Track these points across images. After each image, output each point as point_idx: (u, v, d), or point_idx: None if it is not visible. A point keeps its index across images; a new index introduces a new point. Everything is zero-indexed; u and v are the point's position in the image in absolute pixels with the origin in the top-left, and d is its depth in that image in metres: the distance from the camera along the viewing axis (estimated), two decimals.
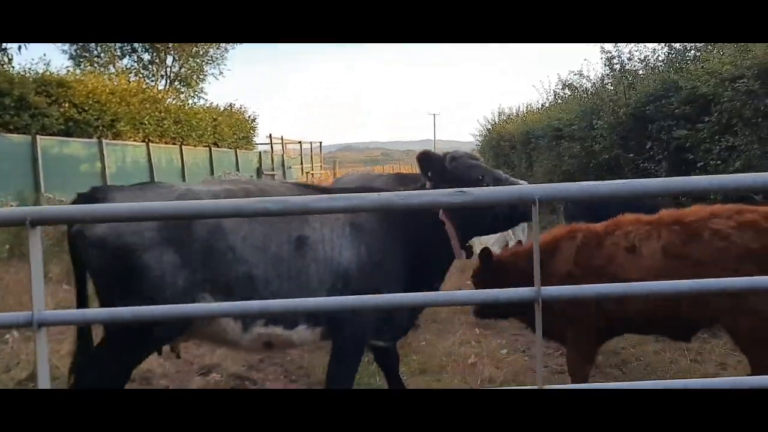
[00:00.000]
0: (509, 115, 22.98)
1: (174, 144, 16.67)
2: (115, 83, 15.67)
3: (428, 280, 3.39)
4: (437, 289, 3.38)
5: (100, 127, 13.46)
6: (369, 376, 4.48)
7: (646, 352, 4.89)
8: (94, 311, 2.60)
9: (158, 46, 22.53)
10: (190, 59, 23.82)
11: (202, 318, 2.83)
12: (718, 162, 5.99)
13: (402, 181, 5.07)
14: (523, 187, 1.55)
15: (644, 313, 3.28)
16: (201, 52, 24.12)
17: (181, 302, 2.76)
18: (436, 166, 3.40)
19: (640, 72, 9.70)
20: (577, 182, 1.50)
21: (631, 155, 8.35)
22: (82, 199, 2.93)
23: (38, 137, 10.98)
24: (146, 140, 15.16)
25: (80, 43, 21.71)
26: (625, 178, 8.84)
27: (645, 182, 1.53)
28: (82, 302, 3.00)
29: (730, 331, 3.29)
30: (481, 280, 3.87)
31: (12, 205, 7.12)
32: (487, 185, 3.20)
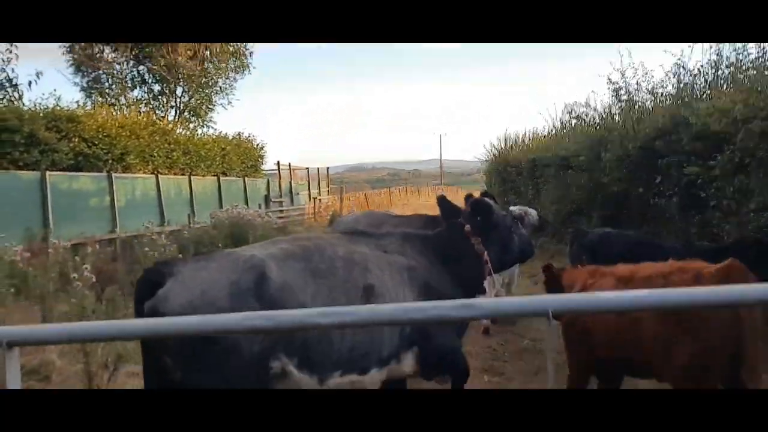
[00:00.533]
0: (515, 141, 22.95)
1: (183, 175, 16.73)
2: (126, 115, 15.82)
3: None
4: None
5: (110, 161, 13.54)
6: None
7: None
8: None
9: (168, 77, 22.76)
10: (200, 90, 24.04)
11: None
12: (732, 202, 5.89)
13: (428, 224, 5.09)
14: (535, 300, 1.48)
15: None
16: (210, 83, 24.35)
17: (258, 367, 2.87)
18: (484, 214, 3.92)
19: (648, 103, 9.64)
20: (590, 293, 1.43)
21: (641, 190, 8.25)
22: (148, 275, 3.03)
23: (48, 173, 11.03)
24: (155, 172, 15.22)
25: (91, 66, 21.94)
26: (635, 213, 8.72)
27: (656, 295, 1.45)
28: (149, 380, 3.03)
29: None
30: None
31: (16, 250, 7.10)
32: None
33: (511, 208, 6.92)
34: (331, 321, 1.40)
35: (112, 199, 12.99)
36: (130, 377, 5.29)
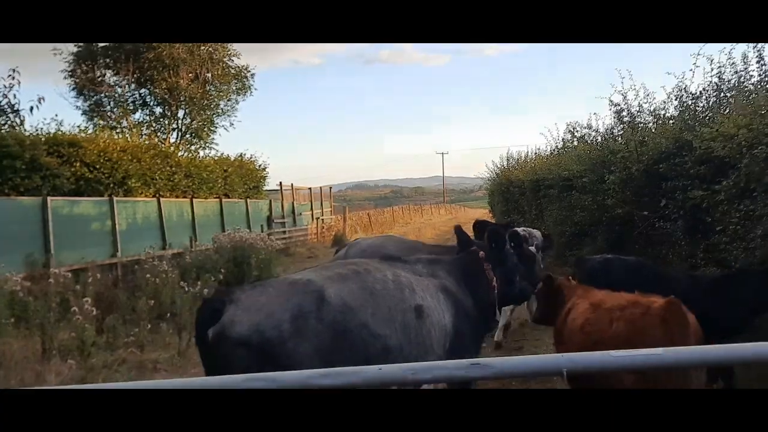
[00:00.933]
0: (518, 160, 22.97)
1: (185, 197, 16.73)
2: (128, 139, 15.87)
3: (486, 320, 4.22)
4: (492, 327, 4.66)
5: (111, 185, 13.53)
6: None
7: None
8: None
9: (170, 99, 22.87)
10: (201, 112, 24.14)
11: None
12: (738, 227, 5.82)
13: (444, 251, 5.46)
14: (549, 360, 1.43)
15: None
16: (212, 105, 24.46)
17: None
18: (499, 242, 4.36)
19: (650, 125, 9.61)
20: (600, 352, 1.38)
21: (645, 213, 8.19)
22: (209, 303, 3.27)
23: (49, 198, 11.01)
24: (157, 195, 15.21)
25: (92, 90, 22.06)
26: (639, 235, 8.65)
27: (672, 354, 1.40)
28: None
29: None
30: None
31: (17, 279, 7.05)
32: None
33: (516, 229, 6.84)
34: (334, 382, 1.35)
35: (114, 224, 12.96)
36: None
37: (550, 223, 13.90)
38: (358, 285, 3.51)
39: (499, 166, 24.96)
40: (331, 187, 34.04)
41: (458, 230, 4.83)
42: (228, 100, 25.16)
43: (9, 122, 12.04)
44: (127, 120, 23.08)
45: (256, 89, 26.26)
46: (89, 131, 15.94)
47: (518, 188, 18.94)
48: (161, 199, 15.11)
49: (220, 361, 3.12)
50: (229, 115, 25.59)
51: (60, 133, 13.42)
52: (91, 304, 5.70)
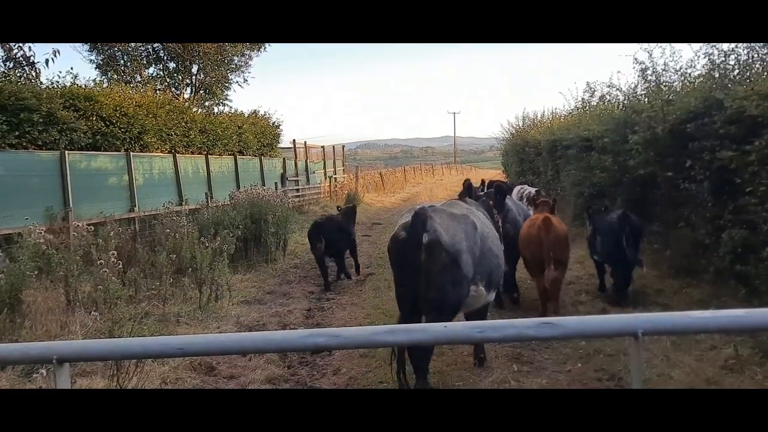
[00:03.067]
0: (534, 120, 22.65)
1: (200, 154, 16.68)
2: (143, 93, 15.72)
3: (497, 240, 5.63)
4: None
5: (128, 140, 13.49)
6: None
7: None
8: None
9: (183, 54, 22.61)
10: (215, 67, 23.85)
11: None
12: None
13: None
14: (624, 320, 1.38)
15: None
16: (226, 61, 24.14)
17: (469, 286, 4.82)
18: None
19: (676, 84, 9.38)
20: (678, 313, 1.33)
21: (670, 174, 8.05)
22: (422, 215, 4.62)
23: (67, 153, 11.00)
24: (173, 151, 15.17)
25: (106, 44, 21.84)
26: (661, 197, 8.55)
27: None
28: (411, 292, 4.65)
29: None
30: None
31: (41, 231, 7.07)
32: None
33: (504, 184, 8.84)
34: (398, 339, 1.32)
35: (131, 179, 12.96)
36: None
37: (567, 184, 13.77)
38: (480, 221, 5.22)
39: (514, 125, 24.66)
40: (343, 146, 33.81)
41: (467, 183, 6.81)
42: (242, 56, 24.83)
43: (25, 74, 11.92)
44: (140, 75, 22.88)
45: (270, 45, 25.87)
46: (104, 85, 15.81)
47: (534, 148, 18.73)
48: (177, 155, 15.07)
49: (430, 258, 4.50)
50: (242, 71, 25.31)
51: (76, 86, 13.31)
52: (116, 257, 5.73)
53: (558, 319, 1.31)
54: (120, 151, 13.05)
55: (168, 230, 8.77)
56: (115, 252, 5.93)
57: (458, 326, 1.45)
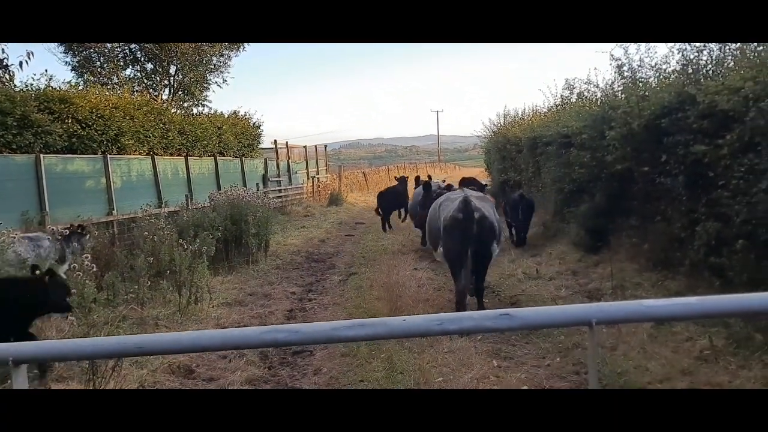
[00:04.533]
0: (515, 117, 22.74)
1: (179, 155, 16.54)
2: (120, 95, 15.56)
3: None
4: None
5: (104, 142, 13.34)
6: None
7: None
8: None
9: (161, 55, 22.40)
10: (194, 68, 23.66)
11: None
12: (741, 182, 5.79)
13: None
14: (579, 310, 1.39)
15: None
16: (204, 61, 23.97)
17: (496, 243, 7.66)
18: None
19: (651, 80, 9.48)
20: (632, 301, 1.35)
21: (646, 168, 8.13)
22: (469, 200, 7.20)
23: (42, 156, 10.85)
24: (151, 153, 15.03)
25: (82, 46, 21.57)
26: (638, 191, 8.66)
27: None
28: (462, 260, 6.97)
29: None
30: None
31: (15, 235, 6.97)
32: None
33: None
34: (358, 333, 1.32)
35: (108, 181, 12.82)
36: None
37: (548, 181, 13.85)
38: (480, 198, 7.92)
39: (496, 123, 24.74)
40: (326, 146, 33.71)
41: (429, 179, 10.61)
42: (220, 56, 24.67)
43: None
44: (117, 76, 22.63)
45: (249, 45, 25.73)
46: (80, 87, 15.62)
47: (515, 146, 18.81)
48: (156, 157, 14.94)
49: (481, 228, 7.05)
50: (222, 72, 25.15)
51: (50, 89, 13.15)
52: (91, 261, 5.66)
53: (515, 311, 1.32)
54: (97, 154, 12.90)
55: (146, 233, 8.68)
56: (89, 255, 5.86)
57: (417, 319, 1.44)
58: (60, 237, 7.55)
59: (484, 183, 15.28)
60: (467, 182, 12.49)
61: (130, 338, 1.41)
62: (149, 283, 7.80)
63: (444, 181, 14.78)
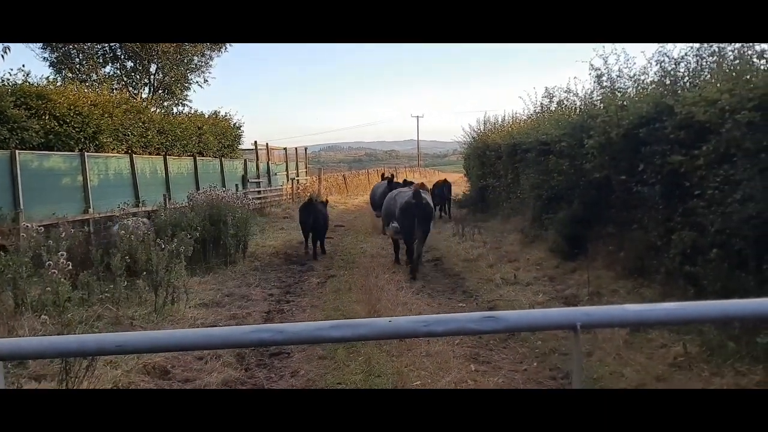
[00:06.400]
0: (495, 124, 22.90)
1: (158, 155, 16.37)
2: (99, 93, 15.36)
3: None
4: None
5: (82, 140, 13.15)
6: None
7: None
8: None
9: (141, 53, 22.16)
10: (174, 67, 23.45)
11: None
12: (716, 192, 5.90)
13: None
14: (563, 313, 1.41)
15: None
16: (185, 60, 23.77)
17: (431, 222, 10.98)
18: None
19: (630, 90, 9.62)
20: (616, 306, 1.36)
21: (623, 177, 8.25)
22: (420, 193, 10.59)
23: (17, 152, 10.66)
24: (129, 151, 14.85)
25: (70, 45, 21.25)
26: (616, 199, 8.77)
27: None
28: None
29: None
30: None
31: None
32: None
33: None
34: (344, 334, 1.31)
35: (85, 179, 12.65)
36: None
37: (527, 187, 13.97)
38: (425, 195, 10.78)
39: (476, 129, 24.88)
40: (306, 148, 33.63)
41: (391, 176, 15.66)
42: (202, 56, 24.49)
43: None
44: (96, 73, 22.33)
45: (231, 45, 25.58)
46: (58, 84, 15.38)
47: (495, 152, 18.94)
48: (134, 156, 14.76)
49: (425, 212, 10.21)
50: (203, 71, 24.96)
51: (28, 84, 12.93)
52: (66, 259, 5.57)
53: (500, 313, 1.33)
54: (74, 151, 12.72)
55: (123, 232, 8.56)
56: (65, 253, 5.76)
57: (403, 321, 1.45)
58: None
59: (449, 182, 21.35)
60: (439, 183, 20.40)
61: (110, 336, 1.39)
62: (125, 282, 7.69)
63: (404, 180, 18.60)
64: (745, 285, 5.29)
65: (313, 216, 12.64)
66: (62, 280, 5.05)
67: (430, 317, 1.35)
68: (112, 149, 14.36)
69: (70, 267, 5.62)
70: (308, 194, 18.45)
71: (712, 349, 5.18)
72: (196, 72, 24.68)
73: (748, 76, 5.87)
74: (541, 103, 15.41)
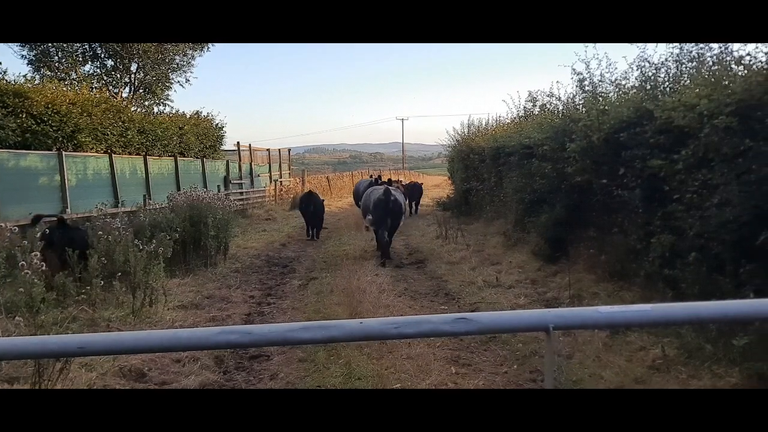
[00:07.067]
0: (478, 127, 22.98)
1: (138, 155, 16.18)
2: (78, 91, 15.14)
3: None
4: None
5: (60, 139, 12.95)
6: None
7: None
8: None
9: (122, 52, 21.91)
10: (156, 66, 23.21)
11: None
12: (694, 196, 5.95)
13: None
14: (537, 315, 1.39)
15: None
16: (167, 60, 23.54)
17: (403, 217, 13.10)
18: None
19: (611, 95, 9.70)
20: (588, 308, 1.35)
21: (604, 181, 8.30)
22: (389, 191, 12.38)
23: None
24: (109, 151, 14.66)
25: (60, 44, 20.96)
26: (597, 203, 8.83)
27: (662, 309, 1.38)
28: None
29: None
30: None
31: None
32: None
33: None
34: (314, 336, 1.28)
35: (63, 179, 12.45)
36: None
37: (510, 190, 14.03)
38: (399, 192, 12.78)
39: (460, 132, 24.95)
40: (289, 150, 33.47)
41: (379, 175, 18.70)
42: (184, 55, 24.27)
43: None
44: (76, 71, 22.03)
45: (213, 45, 25.38)
46: (36, 82, 15.15)
47: (478, 155, 19.00)
48: (113, 156, 14.57)
49: (395, 207, 11.91)
50: (185, 71, 24.74)
51: (4, 82, 12.71)
52: (40, 259, 5.45)
53: (473, 315, 1.31)
54: (52, 150, 12.51)
55: (100, 232, 8.43)
56: (38, 253, 5.64)
57: (374, 322, 1.42)
58: None
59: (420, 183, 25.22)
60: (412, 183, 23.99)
61: (73, 338, 1.34)
62: (102, 283, 7.57)
63: (389, 179, 21.49)
64: (723, 288, 5.33)
65: (313, 205, 15.56)
66: (36, 281, 4.94)
67: (401, 319, 1.32)
68: (91, 149, 14.15)
69: (44, 267, 5.50)
70: (307, 188, 21.38)
71: (690, 351, 5.22)
72: (178, 71, 24.46)
73: (726, 82, 5.93)
74: (525, 107, 15.52)
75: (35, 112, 12.23)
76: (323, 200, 16.62)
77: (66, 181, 12.47)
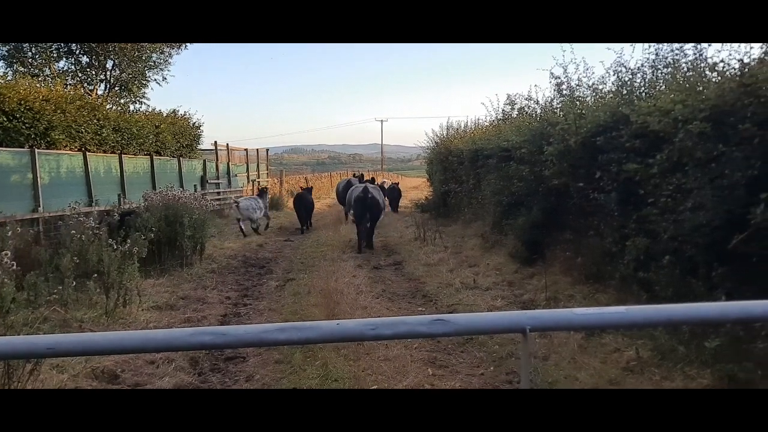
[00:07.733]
0: (457, 129, 23.08)
1: (113, 153, 15.94)
2: (51, 88, 14.86)
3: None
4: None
5: (33, 136, 12.69)
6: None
7: None
8: None
9: (97, 49, 21.57)
10: (132, 63, 22.89)
11: None
12: (669, 200, 6.04)
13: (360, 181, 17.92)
14: (513, 317, 1.39)
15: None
16: (143, 57, 23.23)
17: (382, 212, 15.22)
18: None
19: (588, 99, 9.81)
20: (564, 309, 1.35)
21: (581, 184, 8.38)
22: (367, 189, 14.16)
23: None
24: (83, 149, 14.41)
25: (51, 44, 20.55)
26: (574, 206, 8.91)
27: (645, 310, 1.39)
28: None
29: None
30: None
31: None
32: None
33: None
34: (290, 337, 1.26)
35: (35, 177, 12.20)
36: None
37: (488, 193, 14.10)
38: (377, 190, 14.47)
39: (439, 135, 25.03)
40: (267, 150, 33.26)
41: (361, 174, 21.66)
42: (161, 53, 23.98)
43: None
44: (50, 68, 21.63)
45: (190, 43, 25.12)
46: (8, 78, 14.84)
47: (457, 158, 19.08)
48: (88, 154, 14.33)
49: (372, 203, 13.48)
50: (161, 69, 24.45)
51: None
52: (11, 258, 5.33)
53: (449, 316, 1.30)
54: (24, 147, 12.26)
55: (73, 231, 8.28)
56: (8, 252, 5.52)
57: (351, 324, 1.40)
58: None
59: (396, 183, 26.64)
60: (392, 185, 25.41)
61: (42, 338, 1.30)
62: (74, 283, 7.43)
63: (372, 178, 24.13)
64: (696, 290, 5.41)
65: (304, 201, 17.92)
66: (6, 280, 4.83)
67: (378, 320, 1.31)
68: (65, 146, 13.90)
69: (15, 267, 5.38)
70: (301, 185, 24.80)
71: (663, 353, 5.29)
72: (155, 69, 24.16)
73: (700, 88, 6.03)
74: (503, 110, 15.62)
75: (7, 109, 11.97)
76: (311, 190, 20.28)
77: (38, 179, 12.23)
